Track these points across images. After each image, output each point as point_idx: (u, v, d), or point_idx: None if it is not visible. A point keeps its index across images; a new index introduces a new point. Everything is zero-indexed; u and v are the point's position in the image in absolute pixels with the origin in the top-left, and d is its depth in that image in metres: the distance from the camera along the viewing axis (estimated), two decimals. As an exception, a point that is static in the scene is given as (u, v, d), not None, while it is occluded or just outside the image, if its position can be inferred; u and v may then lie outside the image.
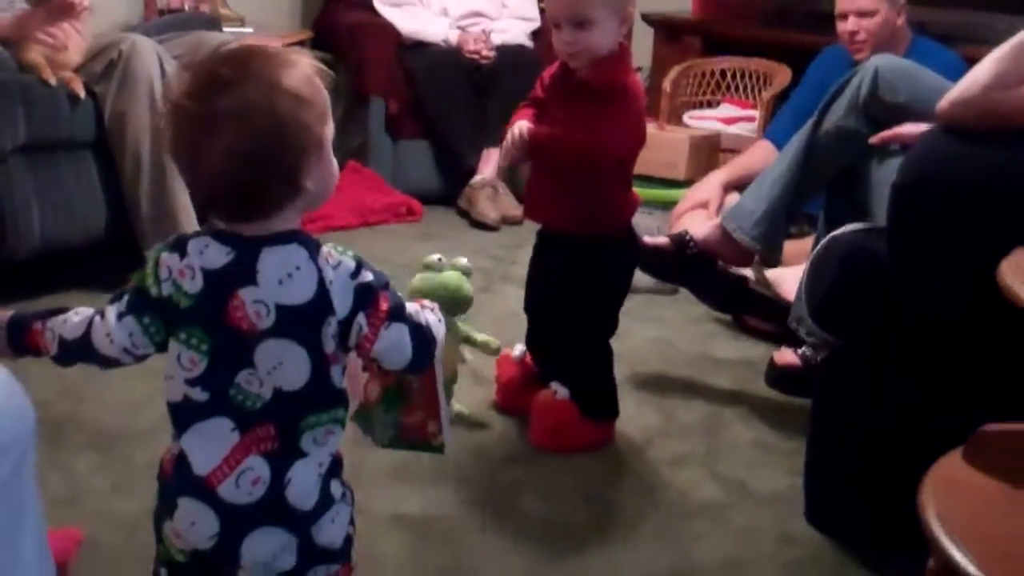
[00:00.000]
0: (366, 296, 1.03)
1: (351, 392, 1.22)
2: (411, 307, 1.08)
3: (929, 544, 1.07)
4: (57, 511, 1.54)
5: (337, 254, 1.04)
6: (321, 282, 1.01)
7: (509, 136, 1.77)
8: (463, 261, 1.93)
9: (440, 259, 1.90)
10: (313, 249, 1.02)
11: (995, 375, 1.34)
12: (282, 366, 1.03)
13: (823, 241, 1.63)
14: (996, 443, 1.12)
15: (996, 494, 1.09)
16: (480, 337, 1.99)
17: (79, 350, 1.09)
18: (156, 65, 2.45)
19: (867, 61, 2.03)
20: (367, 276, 1.04)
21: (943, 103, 1.44)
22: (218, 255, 1.02)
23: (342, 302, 1.02)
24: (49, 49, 2.41)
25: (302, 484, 1.05)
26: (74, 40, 2.46)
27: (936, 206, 1.36)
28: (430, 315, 1.10)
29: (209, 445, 1.04)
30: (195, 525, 1.05)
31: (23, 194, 2.37)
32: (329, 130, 1.04)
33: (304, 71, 1.01)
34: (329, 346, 1.04)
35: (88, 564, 1.45)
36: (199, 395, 1.04)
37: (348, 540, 1.12)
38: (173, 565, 1.10)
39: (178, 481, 1.06)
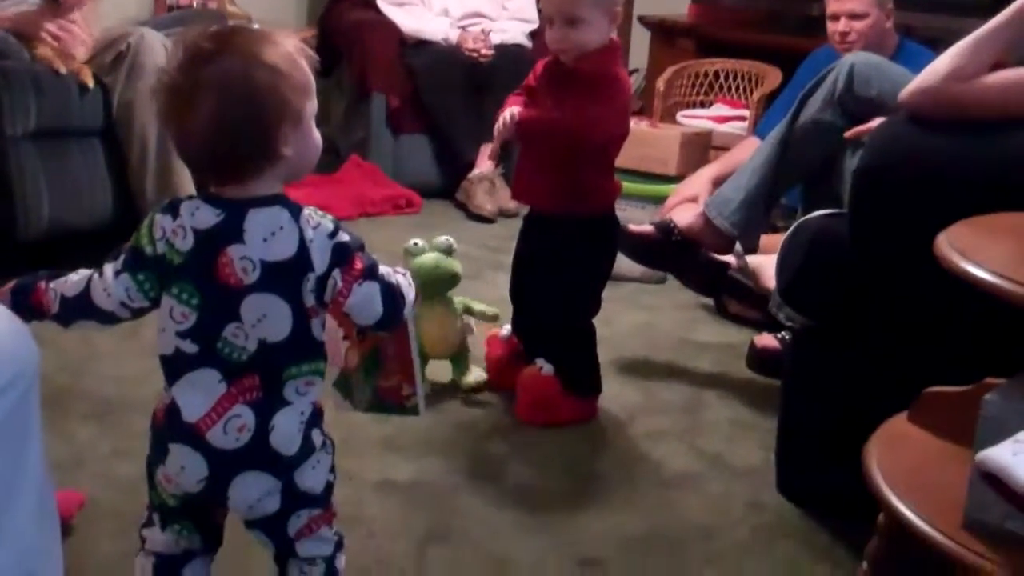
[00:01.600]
0: (342, 254, 1.11)
1: (331, 360, 1.29)
2: (384, 268, 1.16)
3: (875, 496, 1.15)
4: (60, 474, 1.60)
5: (317, 216, 1.12)
6: (302, 240, 1.09)
7: (500, 120, 1.87)
8: (441, 239, 2.02)
9: (417, 243, 2.01)
10: (295, 211, 1.11)
11: (948, 348, 1.42)
12: (266, 318, 1.10)
13: (793, 225, 1.71)
14: (938, 404, 1.20)
15: (936, 450, 1.17)
16: (478, 306, 2.11)
17: (79, 306, 1.17)
18: (163, 57, 2.51)
19: (844, 58, 2.11)
20: (343, 237, 1.12)
21: (904, 93, 1.51)
22: (208, 216, 1.10)
23: (320, 259, 1.10)
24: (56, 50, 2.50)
25: (285, 431, 1.12)
26: (80, 41, 2.54)
27: (893, 190, 1.43)
28: (401, 278, 1.17)
29: (198, 394, 1.11)
30: (185, 469, 1.12)
31: (33, 179, 2.44)
32: (310, 105, 1.12)
33: (285, 48, 1.10)
34: (309, 300, 1.11)
35: (90, 522, 1.52)
36: (189, 347, 1.12)
37: (328, 487, 1.20)
38: (165, 509, 1.18)
39: (169, 428, 1.13)
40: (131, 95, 2.52)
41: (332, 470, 1.20)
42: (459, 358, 2.08)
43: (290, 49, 1.10)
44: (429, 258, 2.00)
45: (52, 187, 2.48)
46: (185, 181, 2.49)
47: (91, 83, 2.51)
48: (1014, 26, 1.50)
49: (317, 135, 1.15)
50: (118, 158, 2.58)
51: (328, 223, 1.12)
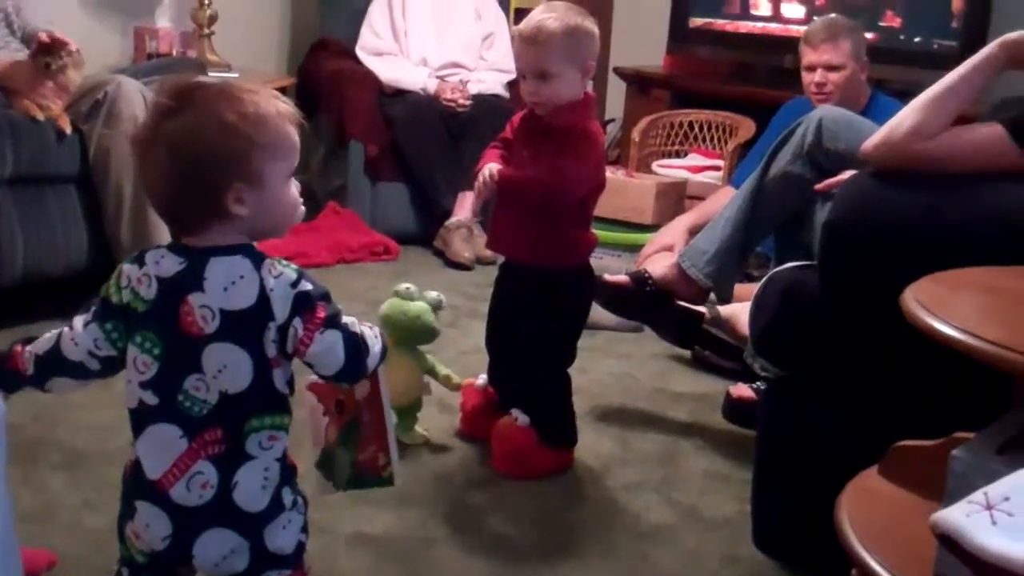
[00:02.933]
0: (304, 303, 1.11)
1: (313, 440, 1.28)
2: (348, 318, 1.15)
3: (846, 551, 1.15)
4: (30, 525, 1.59)
5: (280, 266, 1.12)
6: (262, 289, 1.09)
7: (480, 177, 1.88)
8: (433, 295, 2.02)
9: (408, 288, 2.00)
10: (257, 260, 1.11)
11: (916, 398, 1.43)
12: (227, 369, 1.10)
13: (765, 276, 1.72)
14: (908, 458, 1.21)
15: (907, 504, 1.17)
16: (443, 371, 2.08)
17: (51, 362, 1.16)
18: (141, 105, 2.53)
19: (812, 112, 2.15)
20: (306, 286, 1.12)
21: (867, 145, 1.53)
22: (171, 264, 1.11)
23: (281, 309, 1.10)
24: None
25: (248, 487, 1.12)
26: (59, 98, 2.54)
27: (862, 243, 1.45)
28: (367, 329, 1.16)
29: (159, 451, 1.11)
30: (150, 527, 1.12)
31: (8, 225, 2.43)
32: (280, 165, 1.12)
33: (251, 108, 1.09)
34: (270, 350, 1.11)
35: (58, 575, 1.50)
36: (150, 399, 1.12)
37: (300, 547, 1.18)
38: (134, 565, 1.17)
39: (134, 485, 1.13)
40: (108, 143, 2.51)
41: (304, 529, 1.19)
42: (407, 413, 2.03)
43: (260, 108, 1.10)
44: (416, 306, 1.99)
45: (27, 234, 2.47)
46: (160, 229, 2.48)
47: (68, 129, 2.51)
48: (974, 80, 1.52)
49: (289, 195, 1.14)
50: (94, 206, 2.57)
51: (290, 272, 1.12)
